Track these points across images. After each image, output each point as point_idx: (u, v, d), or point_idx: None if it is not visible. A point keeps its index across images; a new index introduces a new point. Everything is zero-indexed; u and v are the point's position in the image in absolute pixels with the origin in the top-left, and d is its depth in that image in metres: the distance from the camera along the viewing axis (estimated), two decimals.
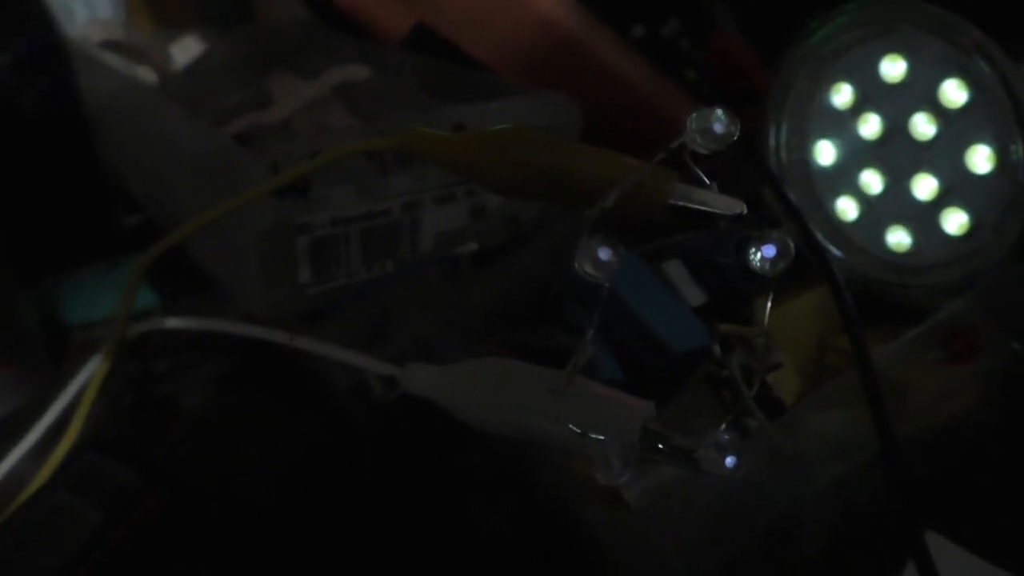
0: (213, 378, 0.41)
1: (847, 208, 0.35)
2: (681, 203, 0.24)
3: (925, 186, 0.32)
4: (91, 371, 0.35)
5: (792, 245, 0.23)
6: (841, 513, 0.29)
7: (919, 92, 0.32)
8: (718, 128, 0.23)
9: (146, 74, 0.52)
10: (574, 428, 0.24)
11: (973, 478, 0.30)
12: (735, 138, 0.23)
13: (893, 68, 0.32)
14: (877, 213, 0.34)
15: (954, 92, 0.31)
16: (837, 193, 0.35)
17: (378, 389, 0.36)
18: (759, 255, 0.23)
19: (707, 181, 0.25)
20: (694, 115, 0.23)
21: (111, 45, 0.52)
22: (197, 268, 0.42)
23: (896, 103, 0.33)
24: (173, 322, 0.35)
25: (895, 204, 0.34)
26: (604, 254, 0.22)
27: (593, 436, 0.24)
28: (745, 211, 0.25)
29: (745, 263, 0.25)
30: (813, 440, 0.29)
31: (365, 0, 0.57)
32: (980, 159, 0.31)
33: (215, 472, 0.35)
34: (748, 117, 0.39)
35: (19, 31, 0.49)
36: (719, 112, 0.23)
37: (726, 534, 0.28)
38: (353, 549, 0.32)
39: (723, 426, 0.23)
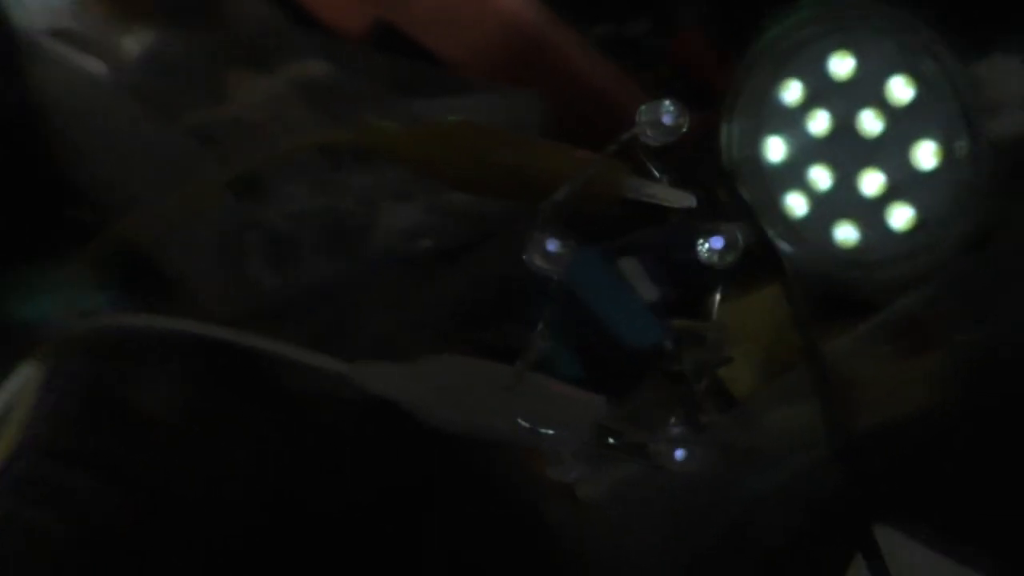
0: (170, 379, 0.41)
1: (796, 204, 0.36)
2: (633, 196, 0.25)
3: (872, 182, 0.33)
4: (29, 373, 0.34)
5: (740, 237, 0.23)
6: (800, 507, 0.30)
7: (867, 89, 0.33)
8: (667, 120, 0.23)
9: (97, 66, 0.51)
10: (524, 424, 0.24)
11: (925, 471, 0.31)
12: (684, 130, 0.24)
13: (841, 65, 0.33)
14: (825, 209, 0.35)
15: (901, 89, 0.32)
16: (787, 189, 0.36)
17: (337, 388, 0.36)
18: (707, 246, 0.23)
19: (657, 175, 0.25)
20: (644, 107, 0.24)
21: (60, 33, 0.50)
22: (153, 268, 0.42)
23: (844, 100, 0.34)
24: (114, 320, 0.34)
25: (843, 200, 0.34)
26: (553, 246, 0.22)
27: (544, 431, 0.24)
28: (695, 204, 0.25)
29: (698, 258, 0.26)
30: (770, 434, 0.30)
31: None
32: (926, 155, 0.31)
33: (175, 477, 0.34)
34: (711, 117, 0.40)
35: None
36: (668, 104, 0.23)
37: (686, 530, 0.29)
38: (315, 554, 0.32)
39: (673, 420, 0.24)
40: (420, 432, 0.30)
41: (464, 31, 0.50)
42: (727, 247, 0.23)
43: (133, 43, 0.54)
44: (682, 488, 0.28)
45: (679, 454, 0.24)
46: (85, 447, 0.35)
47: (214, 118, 0.47)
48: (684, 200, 0.25)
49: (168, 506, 0.32)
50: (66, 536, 0.30)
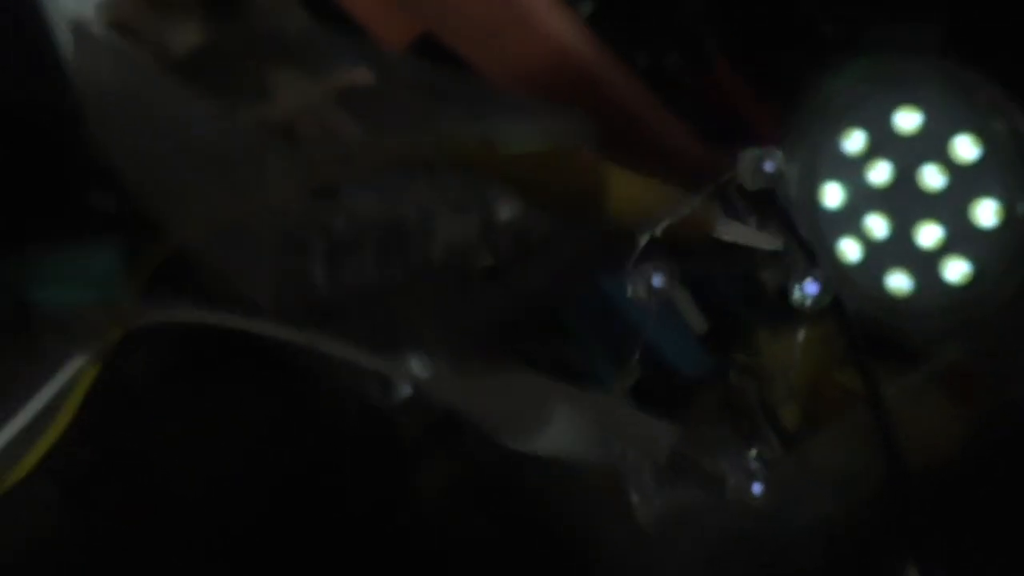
0: (197, 373, 0.41)
1: (849, 250, 0.37)
2: (723, 236, 0.26)
3: (929, 234, 0.34)
4: (83, 362, 0.34)
5: (833, 284, 0.24)
6: (840, 540, 0.31)
7: (931, 144, 0.34)
8: (769, 168, 0.24)
9: (148, 59, 0.51)
10: (613, 448, 0.25)
11: (959, 516, 0.32)
12: (780, 178, 0.25)
13: (907, 120, 0.34)
14: (879, 257, 0.36)
15: (966, 148, 0.33)
16: (841, 235, 0.37)
17: (375, 395, 0.37)
18: (800, 291, 0.24)
19: (748, 216, 0.26)
20: (746, 153, 0.24)
21: (117, 28, 0.50)
22: (182, 251, 0.41)
23: (907, 153, 0.35)
24: (183, 314, 0.34)
25: (898, 249, 0.35)
26: (658, 281, 0.23)
27: (626, 454, 0.25)
28: (781, 248, 0.26)
29: (749, 294, 0.27)
30: (818, 472, 0.31)
31: (368, 3, 0.57)
32: (987, 213, 0.32)
33: (187, 466, 0.34)
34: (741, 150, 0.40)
35: None
36: (774, 152, 0.24)
37: (734, 556, 0.29)
38: (329, 548, 0.32)
39: (753, 454, 0.25)
40: (447, 439, 0.31)
41: (509, 50, 0.51)
42: (822, 292, 0.24)
43: (180, 39, 0.54)
44: (734, 516, 0.29)
45: (756, 488, 0.24)
46: (106, 435, 0.35)
47: (262, 117, 0.48)
48: (771, 243, 0.26)
49: (169, 490, 0.33)
50: (67, 511, 0.30)
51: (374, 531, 0.32)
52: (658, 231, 0.24)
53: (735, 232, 0.25)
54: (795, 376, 0.33)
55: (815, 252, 0.31)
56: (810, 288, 0.24)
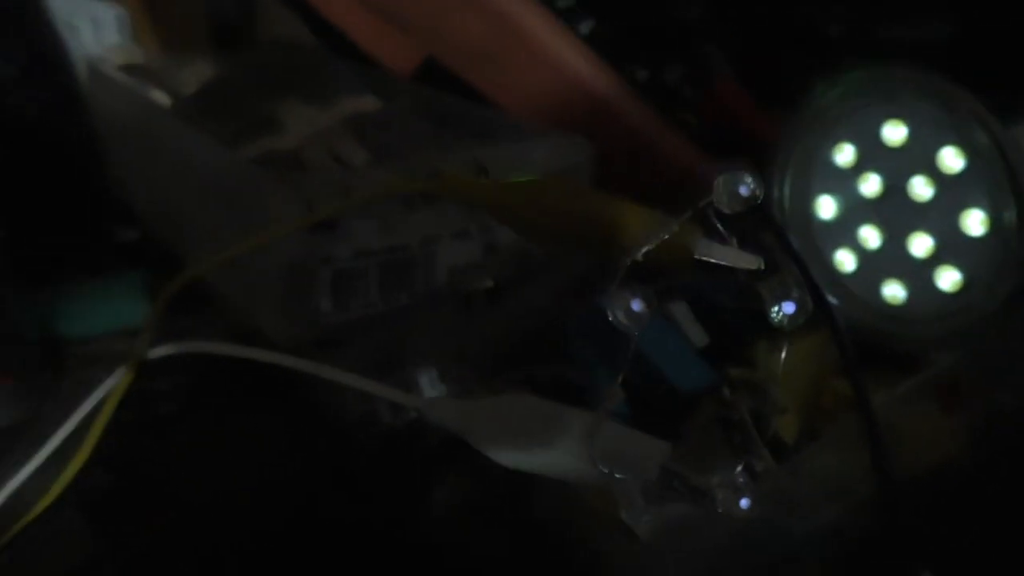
0: (217, 399, 0.42)
1: (845, 260, 0.37)
2: (704, 257, 0.26)
3: (921, 244, 0.35)
4: (109, 387, 0.35)
5: (810, 302, 0.25)
6: (837, 550, 0.31)
7: (918, 156, 0.34)
8: (744, 192, 0.25)
9: (160, 97, 0.53)
10: (601, 467, 0.25)
11: (958, 522, 0.32)
12: (759, 201, 0.25)
13: (894, 132, 0.35)
14: (874, 267, 0.36)
15: (952, 159, 0.33)
16: (836, 246, 0.37)
17: (386, 416, 0.37)
18: (780, 311, 0.25)
19: (728, 238, 0.26)
20: (722, 178, 0.25)
21: (128, 68, 0.52)
22: (197, 283, 0.43)
23: (896, 165, 0.35)
24: (192, 346, 0.35)
25: (892, 259, 0.36)
26: (637, 305, 0.24)
27: (616, 474, 0.25)
28: (763, 267, 0.26)
29: (746, 307, 0.27)
30: (811, 480, 0.31)
31: (372, 30, 0.58)
32: (974, 222, 0.33)
33: (210, 493, 0.35)
34: (744, 164, 0.41)
35: (23, 45, 0.50)
36: (747, 177, 0.24)
37: (730, 569, 0.30)
38: (349, 569, 0.33)
39: (739, 468, 0.25)
40: (456, 460, 0.31)
41: (510, 73, 0.52)
42: (798, 312, 0.25)
43: (192, 76, 0.56)
44: (730, 529, 0.29)
45: (744, 503, 0.25)
46: (136, 463, 0.36)
47: (272, 149, 0.49)
48: (752, 263, 0.26)
49: (192, 512, 0.33)
50: (95, 537, 0.31)
51: (389, 549, 0.33)
52: (639, 255, 0.25)
53: (716, 253, 0.26)
54: (784, 388, 0.33)
55: (806, 267, 0.31)
56: (788, 308, 0.25)
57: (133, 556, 0.32)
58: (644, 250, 0.25)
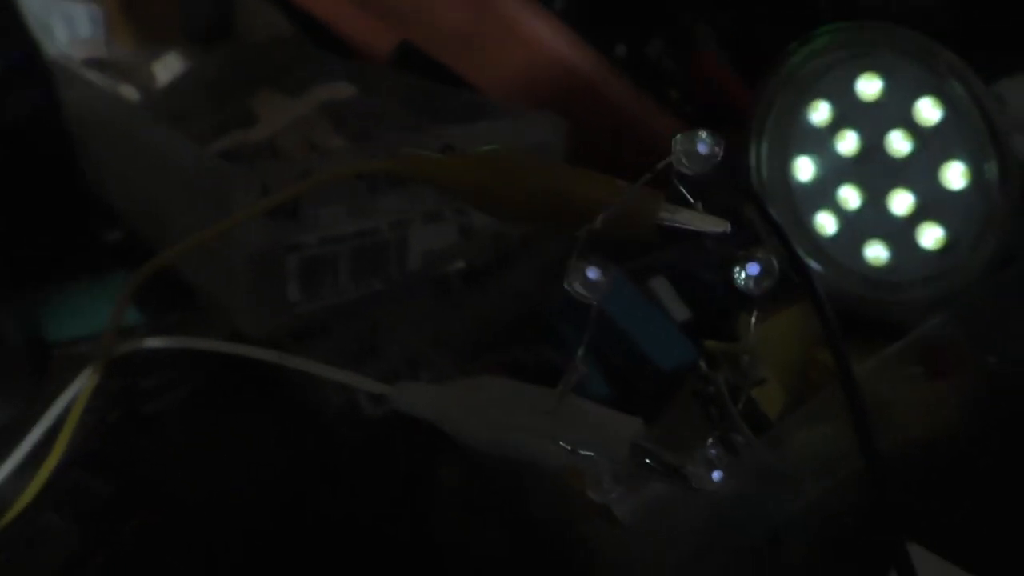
0: (198, 395, 0.41)
1: (826, 223, 0.36)
2: (668, 224, 0.25)
3: (902, 202, 0.33)
4: (78, 388, 0.34)
5: (776, 263, 0.24)
6: (825, 526, 0.30)
7: (895, 110, 0.33)
8: (702, 149, 0.24)
9: (129, 92, 0.53)
10: (565, 446, 0.24)
11: (953, 491, 0.31)
12: (719, 159, 0.24)
13: (869, 87, 0.33)
14: (855, 228, 0.35)
15: (928, 110, 0.32)
16: (816, 208, 0.36)
17: (367, 407, 0.37)
18: (743, 274, 0.24)
19: (692, 201, 0.25)
20: (679, 137, 0.24)
21: (94, 63, 0.52)
22: (180, 281, 0.42)
23: (873, 121, 0.34)
24: (161, 341, 0.35)
25: (872, 219, 0.35)
26: (593, 274, 0.23)
27: (583, 453, 0.25)
28: (729, 230, 0.25)
29: (729, 279, 0.26)
30: (798, 455, 0.30)
31: (348, 16, 0.58)
32: (955, 176, 0.32)
33: (199, 490, 0.35)
34: (730, 136, 0.40)
35: None
36: (703, 134, 0.23)
37: (715, 548, 0.29)
38: (339, 564, 0.32)
39: (710, 442, 0.24)
40: (443, 449, 0.31)
41: (487, 53, 0.51)
42: (763, 274, 0.24)
43: (162, 70, 0.55)
44: (714, 507, 0.28)
45: (716, 476, 0.24)
46: (118, 461, 0.36)
47: (245, 142, 0.48)
48: (718, 226, 0.25)
49: (192, 519, 0.33)
50: (81, 538, 0.31)
51: (379, 543, 0.33)
52: (597, 223, 0.24)
53: (680, 217, 0.24)
54: (769, 361, 0.32)
55: (784, 233, 0.30)
56: (752, 270, 0.24)
57: (119, 555, 0.32)
58: (602, 219, 0.24)
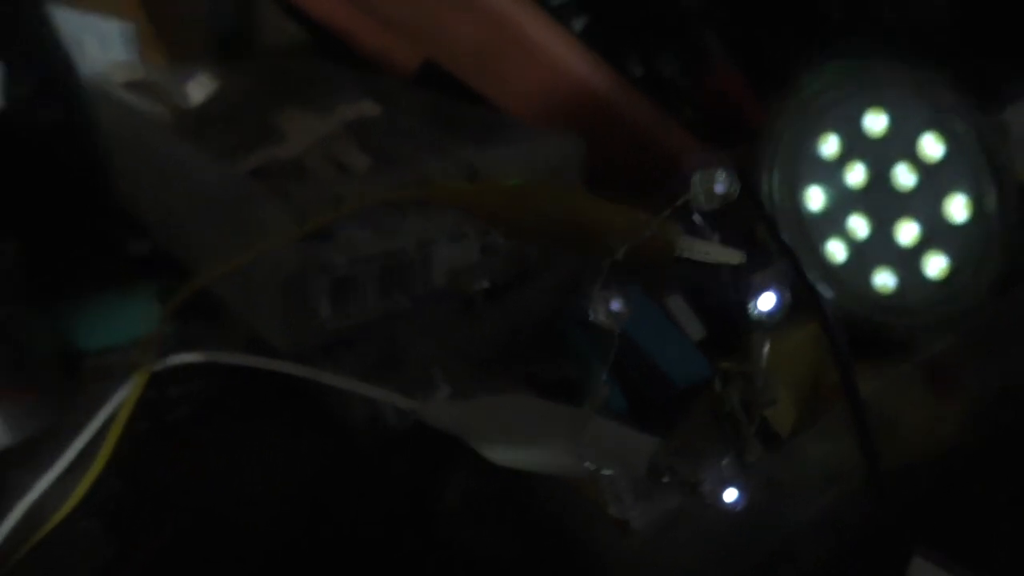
0: (223, 405, 0.42)
1: (836, 251, 0.37)
2: (686, 255, 0.26)
3: (908, 232, 0.35)
4: (121, 398, 0.36)
5: (788, 297, 0.25)
6: (834, 537, 0.31)
7: (900, 145, 0.35)
8: (719, 190, 0.25)
9: (163, 112, 0.54)
10: (588, 464, 0.26)
11: (957, 505, 0.32)
12: (735, 198, 0.26)
13: (876, 122, 0.35)
14: (864, 256, 0.36)
15: (932, 146, 0.33)
16: (827, 236, 0.37)
17: (392, 419, 0.38)
18: (755, 306, 0.25)
19: (710, 234, 0.27)
20: (698, 175, 0.25)
21: (132, 85, 0.53)
22: (208, 293, 0.43)
23: (879, 154, 0.35)
24: (199, 356, 0.36)
25: (880, 248, 0.36)
26: (616, 305, 0.24)
27: (605, 470, 0.26)
28: (745, 261, 0.27)
29: (743, 302, 0.27)
30: (808, 469, 0.31)
31: (371, 34, 0.59)
32: (957, 208, 0.33)
33: (224, 498, 0.36)
34: (744, 153, 0.41)
35: (34, 65, 0.51)
36: (722, 173, 0.25)
37: (726, 559, 0.30)
38: (358, 572, 0.33)
39: (725, 460, 0.25)
40: (462, 460, 0.32)
41: (508, 72, 0.52)
42: (776, 309, 0.25)
43: (195, 89, 0.56)
44: (723, 520, 0.30)
45: (731, 494, 0.25)
46: (149, 470, 0.37)
47: (274, 158, 0.50)
48: (734, 258, 0.26)
49: (221, 527, 0.34)
50: (126, 555, 0.32)
51: (397, 552, 0.34)
52: (619, 255, 0.25)
53: (697, 250, 0.26)
54: (780, 380, 0.33)
55: (796, 258, 0.32)
56: (764, 304, 0.25)
57: (147, 562, 0.33)
58: (624, 250, 0.26)
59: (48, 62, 0.53)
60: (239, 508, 0.36)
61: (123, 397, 0.35)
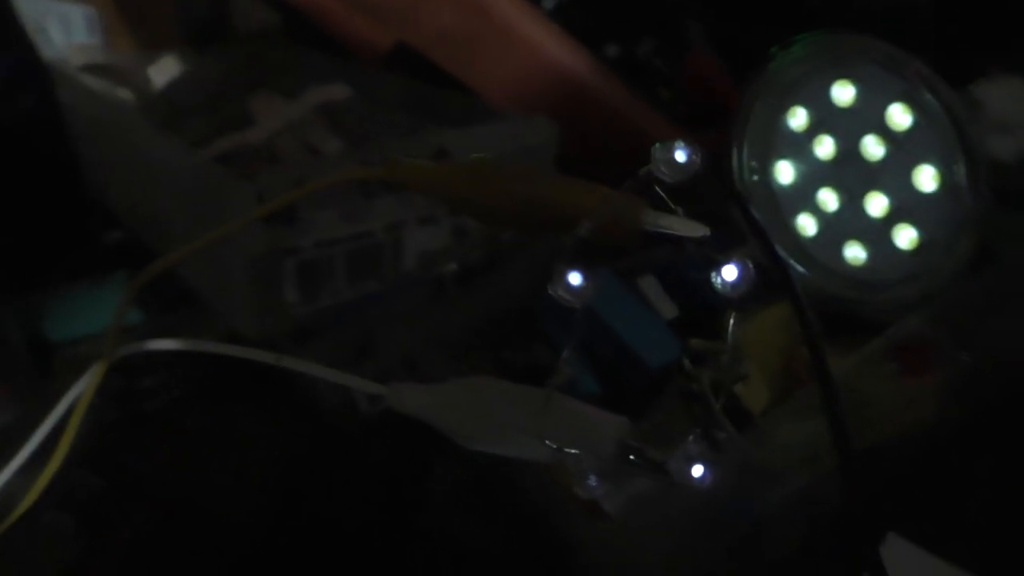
0: (197, 394, 0.42)
1: (806, 225, 0.37)
2: (651, 229, 0.26)
3: (877, 204, 0.35)
4: (81, 388, 0.35)
5: (752, 269, 0.25)
6: (806, 519, 0.31)
7: (868, 116, 0.34)
8: (680, 158, 0.25)
9: (126, 96, 0.53)
10: (551, 444, 0.25)
11: (929, 482, 0.32)
12: (697, 168, 0.25)
13: (843, 93, 0.34)
14: (834, 230, 0.36)
15: (900, 116, 0.33)
16: (797, 211, 0.37)
17: (364, 406, 0.38)
18: (719, 279, 0.25)
19: (673, 207, 0.26)
20: (658, 146, 0.25)
21: (92, 68, 0.52)
22: (178, 282, 0.43)
23: (848, 126, 0.35)
24: (165, 343, 0.36)
25: (851, 221, 0.36)
26: (577, 280, 0.24)
27: (569, 451, 0.25)
28: (709, 234, 0.26)
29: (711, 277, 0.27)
30: (780, 450, 0.31)
31: (343, 17, 0.58)
32: (926, 179, 0.33)
33: (199, 488, 0.36)
34: (720, 135, 0.41)
35: None
36: (681, 144, 0.24)
37: (698, 543, 0.30)
38: (336, 561, 0.33)
39: (691, 438, 0.25)
40: (438, 447, 0.31)
41: (480, 54, 0.51)
42: (739, 279, 0.25)
43: (159, 73, 0.56)
44: (695, 502, 0.29)
45: (697, 472, 0.25)
46: (120, 460, 0.37)
47: (242, 144, 0.49)
48: (698, 231, 0.26)
49: (194, 517, 0.34)
50: (81, 536, 0.32)
51: (376, 540, 0.33)
52: (584, 231, 0.25)
53: (662, 223, 0.25)
54: (753, 358, 0.33)
55: (765, 234, 0.31)
56: (728, 275, 0.25)
57: (121, 552, 0.32)
58: (587, 226, 0.25)
59: (11, 49, 0.52)
60: (215, 497, 0.35)
61: (83, 387, 0.35)
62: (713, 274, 0.25)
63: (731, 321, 0.27)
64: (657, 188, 0.26)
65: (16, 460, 0.34)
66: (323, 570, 0.33)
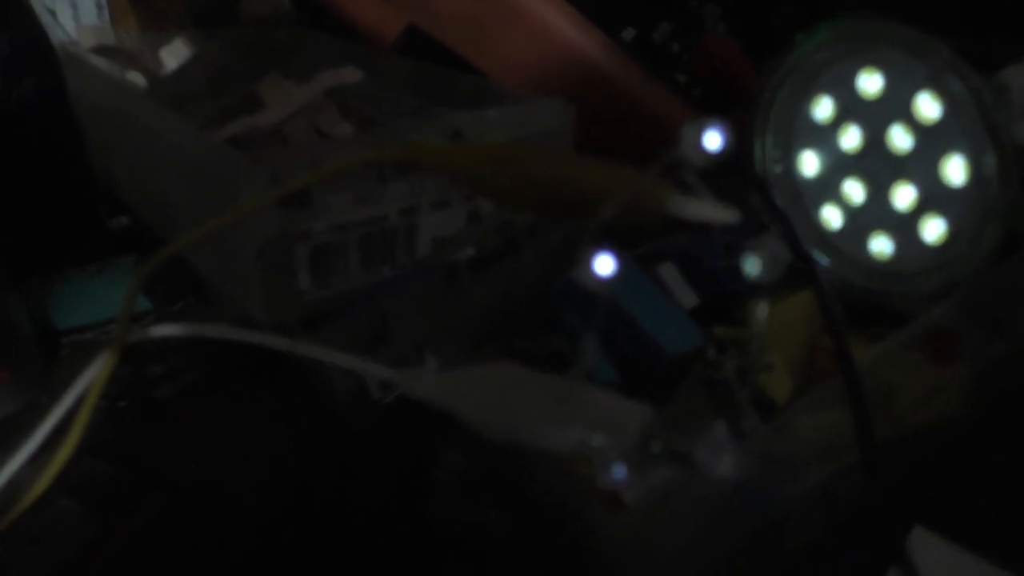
0: (206, 381, 0.42)
1: (831, 217, 0.36)
2: (677, 214, 0.25)
3: (904, 196, 0.34)
4: (93, 375, 0.35)
5: (781, 256, 0.24)
6: (827, 511, 0.31)
7: (895, 106, 0.34)
8: (713, 140, 0.24)
9: (136, 79, 0.53)
10: (575, 434, 0.25)
11: (957, 473, 0.32)
12: (730, 154, 0.24)
13: (870, 83, 0.34)
14: (860, 222, 0.35)
15: (928, 106, 0.32)
16: (822, 202, 0.36)
17: (376, 393, 0.37)
18: (751, 263, 0.24)
19: (702, 192, 0.26)
20: (686, 127, 0.24)
21: (101, 50, 0.52)
22: (188, 268, 0.42)
23: (874, 116, 0.34)
24: (174, 328, 0.35)
25: (877, 213, 0.35)
26: (608, 264, 0.23)
27: (594, 442, 0.25)
28: (739, 220, 0.26)
29: (736, 266, 0.26)
30: (803, 441, 0.30)
31: (355, 1, 0.57)
32: (955, 170, 0.32)
33: (210, 476, 0.35)
34: (738, 120, 0.40)
35: (4, 33, 0.49)
36: (712, 124, 0.24)
37: (720, 532, 0.29)
38: (348, 550, 0.33)
39: (719, 429, 0.24)
40: (449, 435, 0.31)
41: (493, 37, 0.51)
42: (771, 264, 0.24)
43: (169, 56, 0.55)
44: (718, 492, 0.29)
45: (723, 463, 0.24)
46: (130, 448, 0.36)
47: (253, 128, 0.48)
48: (728, 217, 0.25)
49: (204, 505, 0.33)
50: (107, 534, 0.32)
51: (386, 528, 0.33)
52: (608, 215, 0.24)
53: (690, 208, 0.25)
54: (777, 348, 0.33)
55: (789, 223, 0.31)
56: (759, 260, 0.24)
57: (132, 541, 0.32)
58: (611, 210, 0.24)
59: (20, 32, 0.51)
60: (225, 485, 0.35)
61: (94, 375, 0.34)
62: (742, 260, 0.24)
63: (759, 309, 0.27)
64: (685, 171, 0.25)
65: (26, 448, 0.33)
66: (333, 558, 0.32)
